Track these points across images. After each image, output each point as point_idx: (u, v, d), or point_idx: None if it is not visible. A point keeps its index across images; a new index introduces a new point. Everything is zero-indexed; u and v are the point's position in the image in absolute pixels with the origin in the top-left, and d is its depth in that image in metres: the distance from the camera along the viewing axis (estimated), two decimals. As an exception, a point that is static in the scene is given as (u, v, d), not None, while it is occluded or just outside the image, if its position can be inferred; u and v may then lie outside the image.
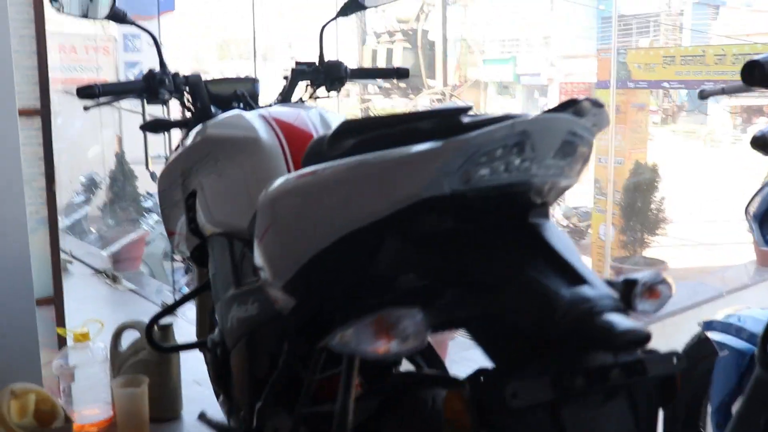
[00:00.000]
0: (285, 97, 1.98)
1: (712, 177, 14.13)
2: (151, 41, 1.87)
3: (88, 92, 1.72)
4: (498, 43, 28.68)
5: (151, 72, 1.81)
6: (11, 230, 2.22)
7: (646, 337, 0.84)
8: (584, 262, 0.95)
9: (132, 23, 1.81)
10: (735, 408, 1.60)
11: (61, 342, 2.58)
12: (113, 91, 1.79)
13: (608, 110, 1.05)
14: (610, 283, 0.96)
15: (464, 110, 0.94)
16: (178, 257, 6.82)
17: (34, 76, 2.52)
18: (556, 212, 12.45)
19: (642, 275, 0.97)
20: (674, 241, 9.48)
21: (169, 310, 2.09)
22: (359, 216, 0.99)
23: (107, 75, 10.60)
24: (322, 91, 2.04)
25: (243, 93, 1.90)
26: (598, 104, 0.97)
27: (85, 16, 1.76)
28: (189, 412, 2.56)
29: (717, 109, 18.45)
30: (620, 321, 0.84)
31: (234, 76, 2.01)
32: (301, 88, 2.03)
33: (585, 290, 0.88)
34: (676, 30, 26.13)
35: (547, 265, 0.91)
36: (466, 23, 22.27)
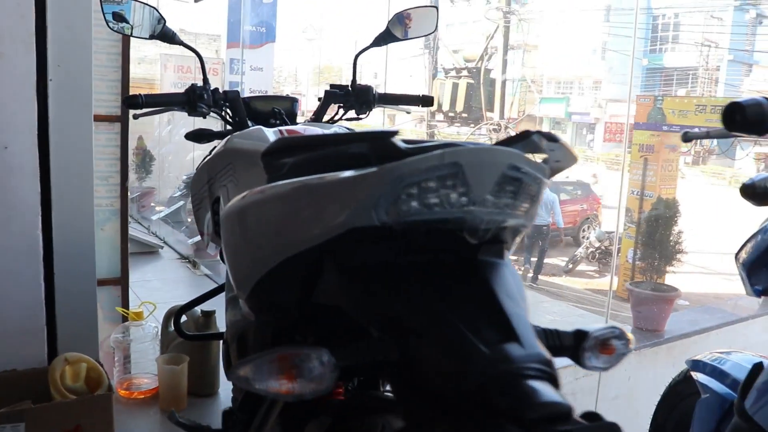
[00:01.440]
0: (317, 117, 1.86)
1: (732, 214, 13.55)
2: (197, 60, 1.77)
3: (132, 101, 1.62)
4: (554, 84, 28.34)
5: (192, 86, 1.70)
6: (80, 219, 2.19)
7: (566, 414, 0.64)
8: (525, 314, 0.75)
9: (181, 44, 1.72)
10: None
11: (125, 319, 2.56)
12: (156, 103, 1.67)
13: (570, 146, 0.82)
14: (557, 336, 0.78)
15: (392, 134, 0.76)
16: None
17: (117, 87, 2.51)
18: (591, 235, 12.09)
19: (595, 328, 0.78)
20: (692, 269, 9.07)
21: (195, 303, 1.98)
22: (298, 240, 0.83)
23: (216, 88, 10.85)
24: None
25: (280, 111, 1.78)
26: (552, 138, 0.79)
27: (132, 34, 1.66)
28: (225, 389, 2.48)
29: (743, 154, 17.64)
30: (542, 390, 0.65)
31: (275, 95, 1.92)
32: (333, 110, 1.91)
33: (511, 348, 0.69)
34: (712, 83, 25.29)
35: (478, 312, 0.73)
36: (526, 65, 21.97)
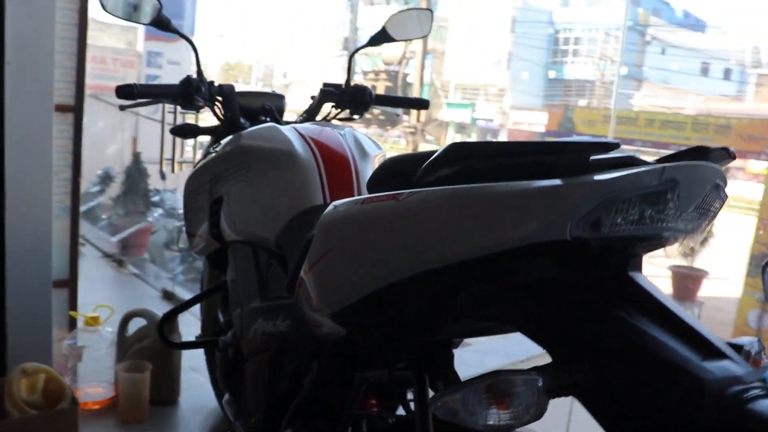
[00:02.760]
0: (310, 116, 1.77)
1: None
2: (191, 49, 1.63)
3: (126, 91, 1.49)
4: (461, 90, 28.90)
5: (188, 78, 1.58)
6: (36, 216, 1.98)
7: None
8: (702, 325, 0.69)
9: (176, 32, 1.57)
10: None
11: (72, 323, 2.34)
12: (150, 93, 1.55)
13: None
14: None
15: (608, 146, 0.70)
16: (175, 248, 6.56)
17: (72, 76, 2.31)
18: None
19: (746, 341, 0.71)
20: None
21: (181, 308, 1.84)
22: (448, 253, 0.74)
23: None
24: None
25: (270, 107, 1.70)
26: (732, 155, 0.75)
27: (128, 19, 1.52)
28: (186, 397, 2.33)
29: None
30: None
31: (263, 91, 1.80)
32: (326, 109, 1.82)
33: (731, 367, 0.64)
34: (607, 95, 26.59)
35: (665, 328, 0.67)
36: (435, 71, 22.19)
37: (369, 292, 0.83)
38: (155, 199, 6.64)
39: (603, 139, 0.70)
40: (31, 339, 2.00)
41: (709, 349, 0.65)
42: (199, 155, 1.79)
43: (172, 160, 3.80)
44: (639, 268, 0.76)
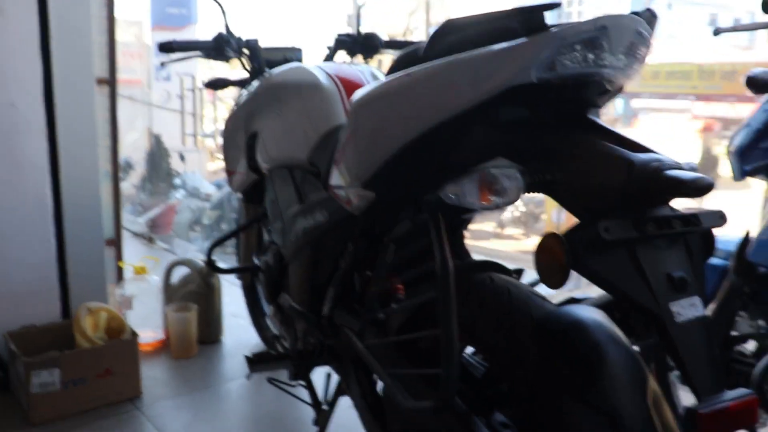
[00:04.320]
0: (328, 59, 1.98)
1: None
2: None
3: (167, 47, 1.75)
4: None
5: (220, 34, 1.83)
6: (87, 179, 2.22)
7: (710, 185, 0.81)
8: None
9: None
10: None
11: (120, 277, 2.60)
12: (187, 47, 1.81)
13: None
14: None
15: (550, 6, 0.88)
16: (198, 229, 6.82)
17: (104, 51, 2.53)
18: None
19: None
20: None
21: (226, 238, 2.08)
22: (447, 108, 0.94)
23: (140, 76, 10.67)
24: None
25: (291, 58, 1.92)
26: (654, 15, 0.94)
27: None
28: (229, 336, 2.58)
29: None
30: (687, 174, 0.81)
31: (283, 46, 2.02)
32: (340, 56, 2.02)
33: (652, 154, 0.85)
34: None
35: (616, 141, 0.87)
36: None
37: (392, 154, 1.03)
38: (177, 181, 6.91)
39: (547, 1, 0.88)
40: (89, 287, 2.25)
41: (643, 148, 0.86)
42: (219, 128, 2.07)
43: (194, 135, 4.03)
44: (597, 115, 0.96)
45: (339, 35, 2.00)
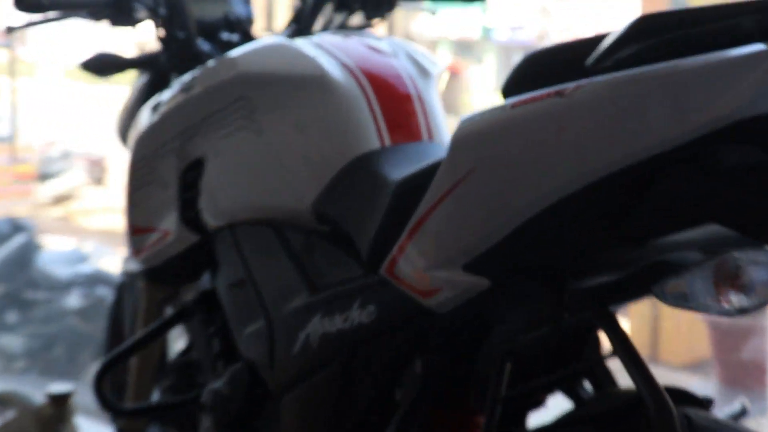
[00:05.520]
0: (303, 26, 1.36)
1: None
2: None
3: (32, 2, 1.14)
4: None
5: None
6: None
7: None
8: None
9: None
10: None
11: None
12: (69, 3, 1.19)
13: None
14: None
15: None
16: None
17: None
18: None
19: None
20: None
21: (122, 357, 1.41)
22: (631, 149, 0.67)
23: None
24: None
25: (237, 19, 1.39)
26: None
27: None
28: None
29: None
30: None
31: None
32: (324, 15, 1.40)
33: None
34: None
35: None
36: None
37: (530, 217, 0.76)
38: None
39: None
40: None
41: None
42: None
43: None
44: None
45: None
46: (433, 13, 1.77)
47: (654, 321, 3.31)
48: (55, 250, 4.76)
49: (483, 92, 8.54)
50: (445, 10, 1.77)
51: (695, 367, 3.39)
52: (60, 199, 6.48)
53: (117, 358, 1.40)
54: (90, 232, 6.04)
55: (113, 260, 4.38)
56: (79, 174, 6.67)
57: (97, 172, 6.88)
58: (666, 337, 3.34)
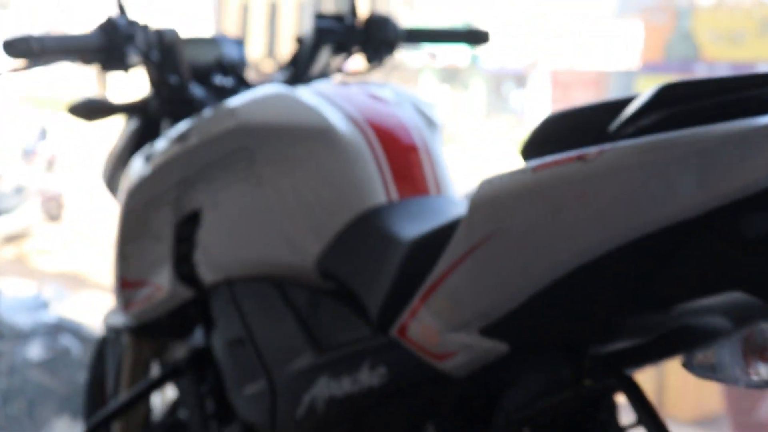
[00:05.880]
0: (301, 69, 1.33)
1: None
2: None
3: (22, 48, 1.07)
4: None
5: (111, 22, 1.16)
6: None
7: None
8: None
9: None
10: None
11: None
12: (59, 49, 1.11)
13: None
14: None
15: None
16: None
17: None
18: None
19: None
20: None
21: (109, 419, 1.31)
22: (654, 215, 0.68)
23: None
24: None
25: (230, 63, 1.34)
26: None
27: None
28: None
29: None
30: None
31: (211, 37, 1.38)
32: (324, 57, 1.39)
33: None
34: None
35: None
36: None
37: (550, 282, 0.75)
38: None
39: None
40: None
41: None
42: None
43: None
44: None
45: (319, 18, 1.35)
46: (434, 56, 1.52)
47: (659, 373, 3.11)
48: (12, 295, 4.42)
49: (470, 119, 8.42)
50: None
51: (704, 422, 3.15)
52: (13, 238, 6.09)
53: (105, 420, 1.35)
54: (47, 275, 5.57)
55: (75, 306, 4.04)
56: (34, 211, 6.31)
57: (53, 208, 6.50)
58: (672, 390, 3.09)
